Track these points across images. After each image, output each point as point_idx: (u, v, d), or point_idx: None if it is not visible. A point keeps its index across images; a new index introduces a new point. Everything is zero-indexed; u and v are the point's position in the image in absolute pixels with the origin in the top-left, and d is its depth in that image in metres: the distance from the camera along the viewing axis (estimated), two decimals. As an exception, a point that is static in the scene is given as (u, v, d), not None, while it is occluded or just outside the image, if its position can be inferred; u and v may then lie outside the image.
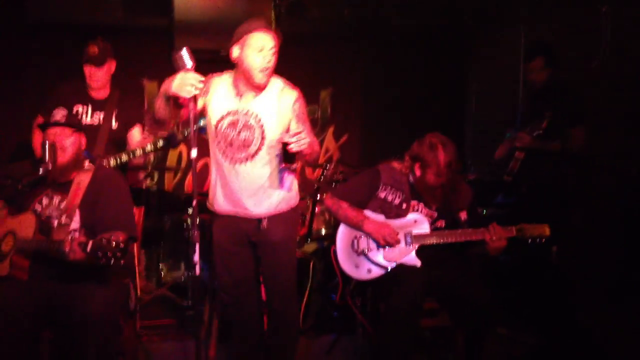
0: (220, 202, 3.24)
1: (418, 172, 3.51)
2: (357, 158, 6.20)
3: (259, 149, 3.14)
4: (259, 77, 3.07)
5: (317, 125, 6.32)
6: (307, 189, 5.00)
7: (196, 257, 2.65)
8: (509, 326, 4.13)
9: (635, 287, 4.07)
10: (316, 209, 4.65)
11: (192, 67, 2.74)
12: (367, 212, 3.58)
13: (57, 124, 3.19)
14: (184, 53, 2.73)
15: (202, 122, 3.37)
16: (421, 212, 3.57)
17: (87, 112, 4.10)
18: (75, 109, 4.06)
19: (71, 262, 2.86)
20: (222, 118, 3.14)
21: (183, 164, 5.77)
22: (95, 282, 3.03)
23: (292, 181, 3.30)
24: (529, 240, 3.39)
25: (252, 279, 3.39)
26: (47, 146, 3.05)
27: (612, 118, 4.45)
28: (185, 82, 2.75)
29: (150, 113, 2.95)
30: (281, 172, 3.21)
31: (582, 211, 4.39)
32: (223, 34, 5.16)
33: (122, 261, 2.77)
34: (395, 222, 3.54)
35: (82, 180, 3.22)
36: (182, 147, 5.76)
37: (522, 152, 4.38)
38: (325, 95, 6.33)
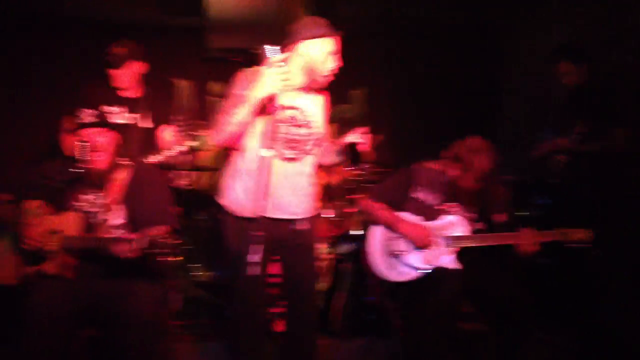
0: (246, 201, 3.01)
1: (456, 174, 3.45)
2: (391, 159, 6.12)
3: (311, 147, 3.11)
4: (324, 79, 3.08)
5: (350, 125, 6.25)
6: (341, 190, 4.96)
7: (256, 257, 2.60)
8: (548, 330, 4.04)
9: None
10: (351, 210, 4.60)
11: (277, 61, 2.73)
12: (403, 214, 3.52)
13: (88, 125, 3.20)
14: (269, 48, 2.72)
15: None
16: (458, 214, 3.51)
17: (117, 112, 4.11)
18: (105, 108, 4.05)
19: (119, 259, 2.89)
20: (280, 111, 3.00)
21: (218, 163, 5.76)
22: (142, 281, 3.05)
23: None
24: (569, 245, 3.31)
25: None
26: (82, 145, 3.06)
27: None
28: (273, 78, 2.74)
29: (222, 124, 2.85)
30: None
31: (622, 214, 4.27)
32: (255, 34, 5.21)
33: (173, 256, 2.79)
34: (431, 224, 3.49)
35: (121, 176, 3.25)
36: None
37: (561, 154, 4.31)
38: (358, 95, 6.28)
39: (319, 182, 5.04)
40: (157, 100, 4.25)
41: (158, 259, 2.80)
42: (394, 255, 3.50)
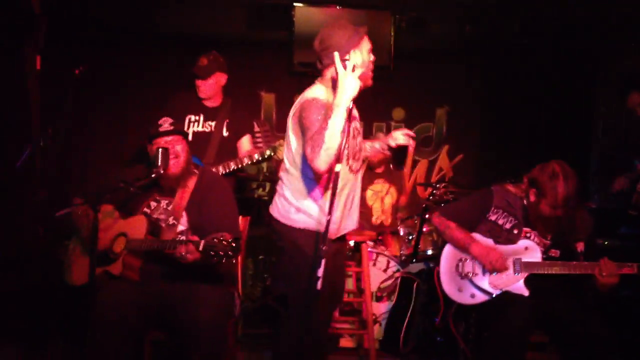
0: (318, 215, 2.96)
1: (533, 198, 3.34)
2: (470, 179, 6.02)
3: (364, 158, 3.10)
4: (370, 76, 2.98)
5: (431, 143, 6.20)
6: (415, 208, 4.91)
7: (320, 272, 2.58)
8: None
9: None
10: (424, 228, 4.54)
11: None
12: (476, 235, 3.44)
13: (162, 133, 3.29)
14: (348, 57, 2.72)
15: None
16: (533, 239, 3.39)
17: (199, 121, 4.23)
18: (188, 118, 4.20)
19: (181, 263, 2.93)
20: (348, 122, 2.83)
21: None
22: (207, 286, 3.08)
23: None
24: None
25: None
26: (159, 152, 3.15)
27: None
28: (352, 78, 2.69)
29: (322, 142, 2.81)
30: None
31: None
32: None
33: (233, 260, 2.81)
34: (505, 248, 3.38)
35: (189, 183, 3.32)
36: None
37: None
38: (441, 113, 6.22)
39: (391, 200, 5.05)
40: (238, 111, 4.34)
41: (217, 263, 2.82)
42: (464, 276, 3.41)
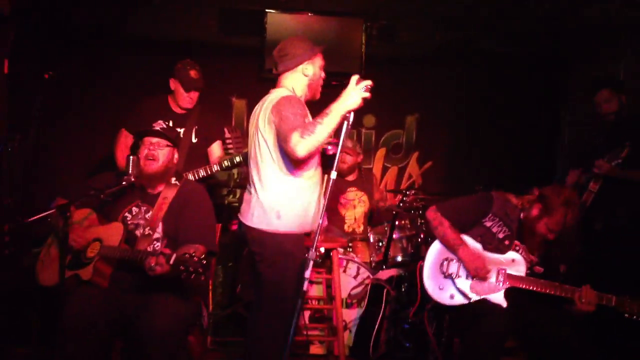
0: (305, 218, 3.16)
1: (535, 212, 3.38)
2: (440, 186, 6.07)
3: None
4: (319, 90, 3.26)
5: (401, 150, 6.24)
6: (385, 215, 4.94)
7: (307, 274, 2.62)
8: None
9: None
10: (394, 235, 4.57)
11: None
12: (466, 238, 3.48)
13: (151, 132, 3.28)
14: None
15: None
16: (521, 253, 3.44)
17: (170, 125, 4.18)
18: (160, 123, 4.17)
19: (149, 273, 2.92)
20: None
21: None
22: (168, 297, 3.08)
23: None
24: (626, 315, 3.20)
25: None
26: (130, 159, 3.14)
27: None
28: (359, 94, 2.82)
29: (315, 133, 2.89)
30: None
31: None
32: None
33: (202, 277, 2.84)
34: (492, 256, 3.44)
35: (169, 194, 3.32)
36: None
37: (598, 182, 4.27)
38: (411, 120, 6.25)
39: (363, 209, 5.06)
40: (208, 117, 4.32)
41: (186, 276, 2.81)
42: (447, 276, 3.45)
